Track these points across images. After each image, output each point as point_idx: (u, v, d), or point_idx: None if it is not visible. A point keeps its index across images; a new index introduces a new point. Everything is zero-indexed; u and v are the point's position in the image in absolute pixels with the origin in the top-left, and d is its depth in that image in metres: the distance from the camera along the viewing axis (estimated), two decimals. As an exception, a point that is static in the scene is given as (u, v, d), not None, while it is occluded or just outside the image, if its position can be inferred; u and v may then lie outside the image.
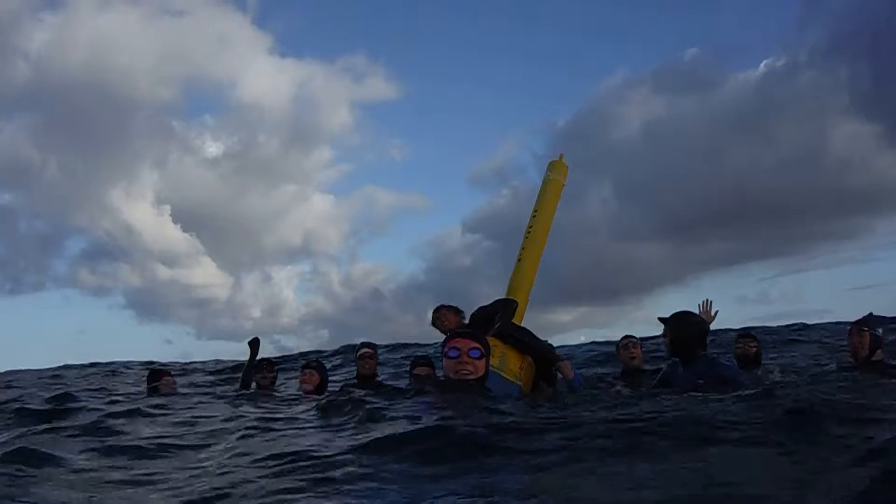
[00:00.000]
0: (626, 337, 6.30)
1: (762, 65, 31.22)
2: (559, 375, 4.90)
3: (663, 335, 4.62)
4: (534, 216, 5.54)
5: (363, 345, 5.95)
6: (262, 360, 6.13)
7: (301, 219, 37.30)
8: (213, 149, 35.29)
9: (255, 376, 6.02)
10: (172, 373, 6.34)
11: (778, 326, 13.54)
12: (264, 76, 38.33)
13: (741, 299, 25.34)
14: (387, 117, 41.48)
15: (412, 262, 47.88)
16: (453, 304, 5.43)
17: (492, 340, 4.30)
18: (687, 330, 4.38)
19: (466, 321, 5.19)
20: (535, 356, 4.83)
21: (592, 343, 12.98)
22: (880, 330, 5.11)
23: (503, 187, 35.79)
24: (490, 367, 3.67)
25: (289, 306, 31.58)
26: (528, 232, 5.48)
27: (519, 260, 5.39)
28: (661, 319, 4.60)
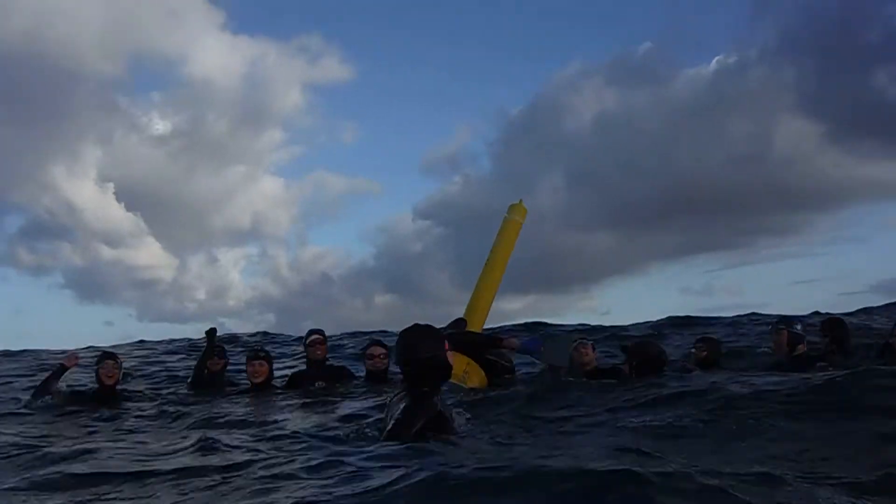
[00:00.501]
0: (578, 340, 5.84)
1: (714, 61, 32.16)
2: (512, 356, 5.53)
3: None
4: (493, 250, 6.24)
5: (312, 332, 6.28)
6: (215, 346, 6.43)
7: (250, 201, 36.37)
8: (160, 126, 33.94)
9: (207, 363, 6.26)
10: (119, 358, 6.28)
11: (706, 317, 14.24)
12: (215, 53, 37.03)
13: (685, 290, 26.55)
14: (339, 100, 40.77)
15: (362, 248, 47.48)
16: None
17: None
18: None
19: None
20: (480, 352, 5.38)
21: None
22: (798, 326, 5.62)
23: (455, 174, 36.01)
24: None
25: (235, 289, 30.99)
26: (488, 262, 6.17)
27: (478, 285, 6.08)
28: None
